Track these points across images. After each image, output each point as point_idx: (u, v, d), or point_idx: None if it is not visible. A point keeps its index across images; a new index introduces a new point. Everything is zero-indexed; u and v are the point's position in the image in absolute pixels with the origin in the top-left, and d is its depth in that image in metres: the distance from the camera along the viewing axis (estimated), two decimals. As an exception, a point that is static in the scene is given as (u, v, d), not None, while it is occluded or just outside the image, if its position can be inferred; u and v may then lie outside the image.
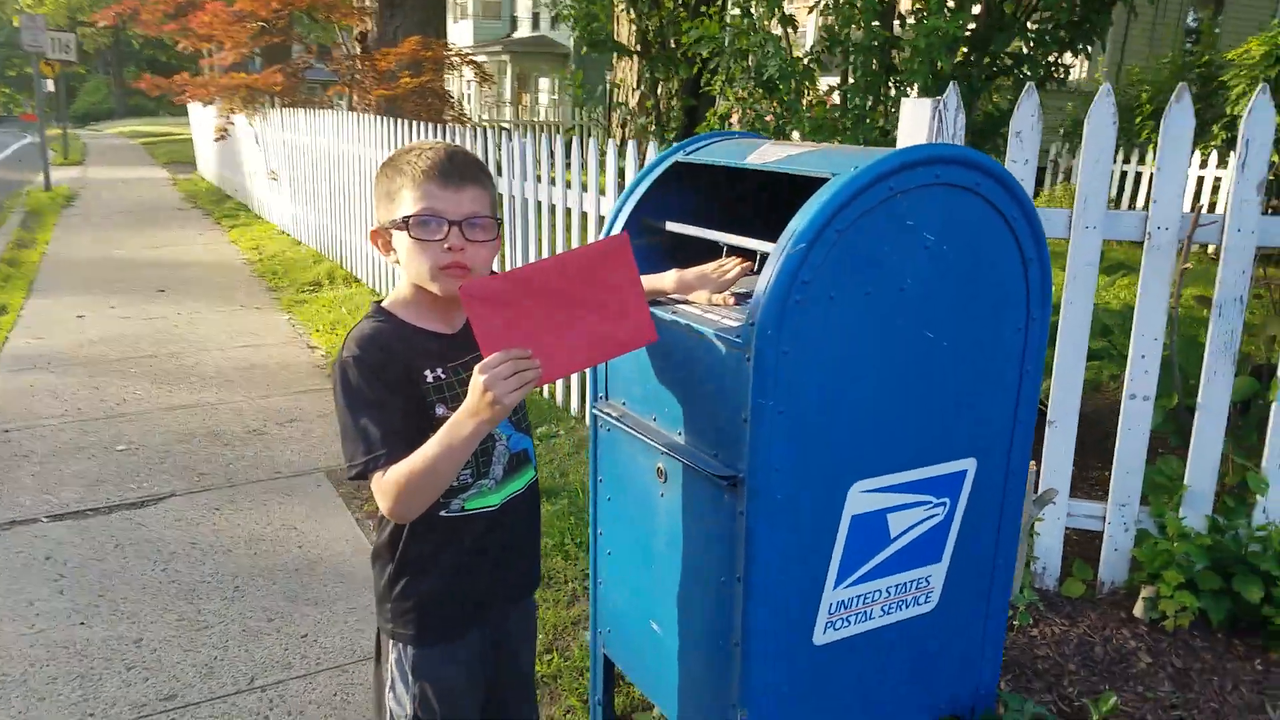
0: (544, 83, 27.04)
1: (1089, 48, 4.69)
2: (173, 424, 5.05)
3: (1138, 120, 13.42)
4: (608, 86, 6.75)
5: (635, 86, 6.44)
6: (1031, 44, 4.58)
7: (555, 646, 3.02)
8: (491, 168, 5.63)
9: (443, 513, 1.79)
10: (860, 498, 2.00)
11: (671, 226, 2.26)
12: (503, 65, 25.93)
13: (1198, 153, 11.23)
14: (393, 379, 1.69)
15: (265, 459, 4.61)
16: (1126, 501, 3.07)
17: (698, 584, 2.06)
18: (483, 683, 1.95)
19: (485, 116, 19.68)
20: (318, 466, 4.53)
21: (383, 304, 1.80)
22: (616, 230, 2.29)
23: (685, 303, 2.09)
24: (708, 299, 2.08)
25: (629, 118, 6.55)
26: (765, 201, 2.44)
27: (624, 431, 2.21)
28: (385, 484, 1.64)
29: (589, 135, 17.83)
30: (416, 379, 1.72)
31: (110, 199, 14.42)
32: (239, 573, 3.54)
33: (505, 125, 18.72)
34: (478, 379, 1.52)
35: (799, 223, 1.80)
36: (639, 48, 5.73)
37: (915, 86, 4.30)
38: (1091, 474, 3.86)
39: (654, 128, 6.01)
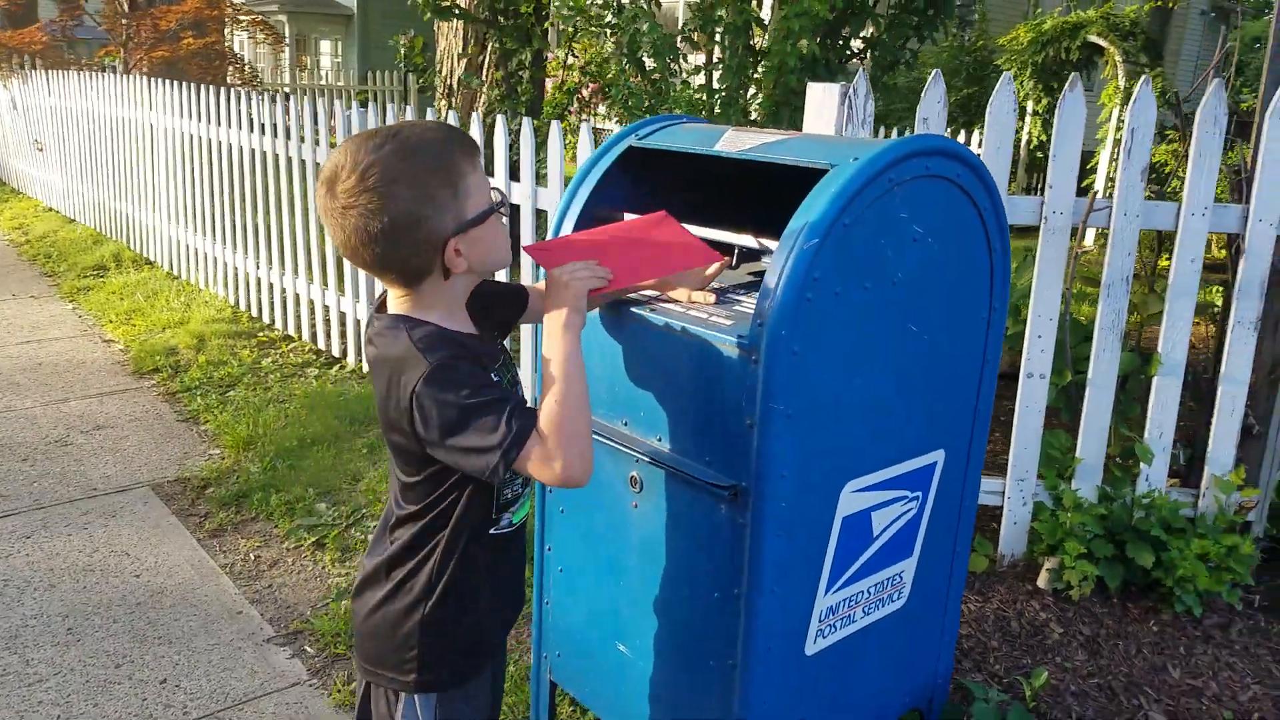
0: (325, 45, 25.62)
1: (934, 34, 4.83)
2: (-42, 437, 4.41)
3: (924, 102, 14.16)
4: (436, 55, 6.36)
5: (462, 54, 6.11)
6: (884, 29, 4.66)
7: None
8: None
9: (493, 530, 1.62)
10: (850, 498, 1.94)
11: (630, 219, 2.10)
12: (279, 25, 24.34)
13: (976, 133, 11.97)
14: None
15: (76, 474, 4.08)
16: (1025, 476, 3.17)
17: (683, 601, 1.94)
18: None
19: (267, 81, 18.50)
20: (140, 481, 4.04)
21: (405, 312, 1.56)
22: (567, 226, 2.12)
23: (663, 300, 1.95)
24: (688, 296, 1.94)
25: (457, 87, 6.23)
26: (715, 191, 2.33)
27: (585, 438, 2.05)
28: (550, 442, 1.47)
29: (393, 101, 17.02)
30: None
31: None
32: (69, 612, 3.08)
33: (288, 90, 17.65)
34: (555, 274, 1.56)
35: (810, 216, 1.70)
36: (486, 15, 5.45)
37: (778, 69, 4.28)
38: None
39: (493, 100, 5.73)
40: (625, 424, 1.99)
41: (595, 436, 1.99)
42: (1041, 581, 3.11)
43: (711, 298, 1.93)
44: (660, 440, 1.92)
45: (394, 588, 1.61)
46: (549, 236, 2.16)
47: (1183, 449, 3.40)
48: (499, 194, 1.55)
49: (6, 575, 3.28)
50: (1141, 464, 3.13)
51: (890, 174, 1.78)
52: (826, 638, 1.99)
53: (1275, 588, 3.18)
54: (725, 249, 2.02)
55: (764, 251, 2.06)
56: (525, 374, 3.93)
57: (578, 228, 2.13)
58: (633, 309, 1.92)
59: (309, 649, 2.92)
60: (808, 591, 1.91)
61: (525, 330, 3.94)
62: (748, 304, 1.93)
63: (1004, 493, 3.20)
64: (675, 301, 1.94)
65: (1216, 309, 4.00)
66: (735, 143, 2.03)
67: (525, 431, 1.45)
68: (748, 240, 1.95)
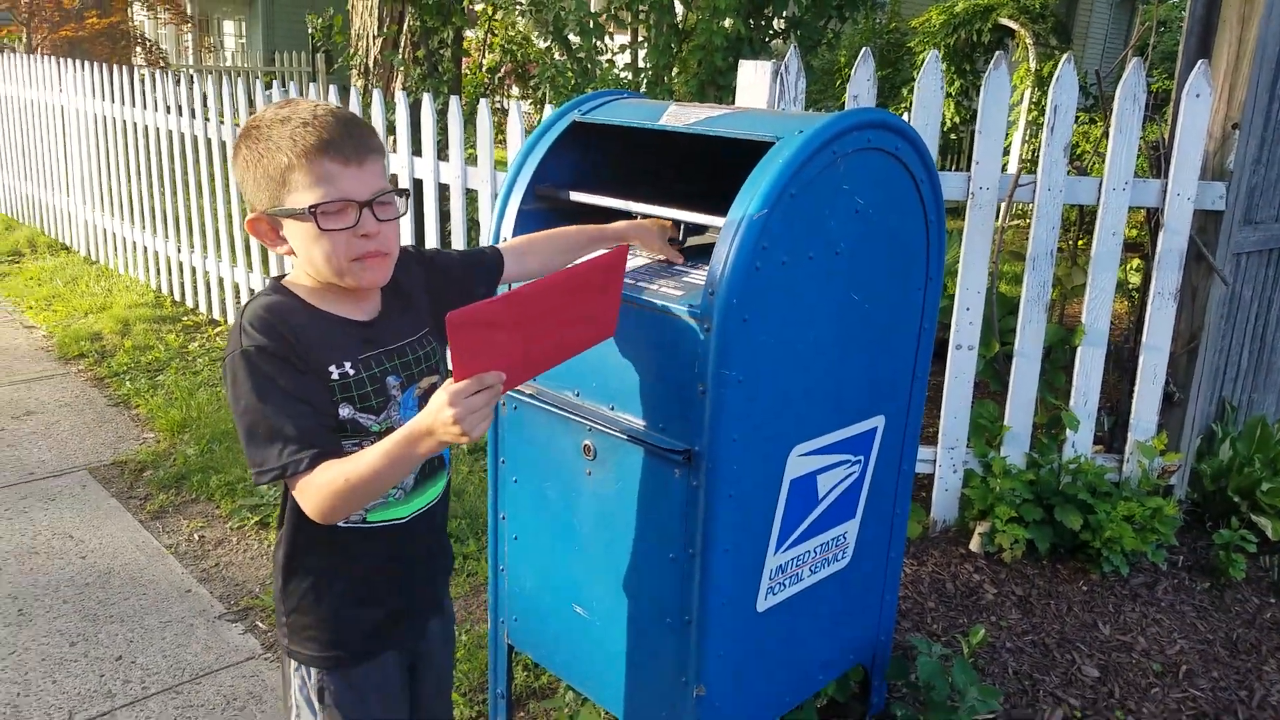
0: (228, 25, 25.02)
1: (856, 14, 4.91)
2: (-120, 426, 4.28)
3: (838, 83, 14.36)
4: (351, 32, 6.29)
5: (379, 34, 6.07)
6: (806, 9, 4.72)
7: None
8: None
9: (341, 523, 1.57)
10: (798, 461, 2.00)
11: (576, 197, 2.13)
12: (182, 4, 23.66)
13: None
14: (304, 365, 1.47)
15: (10, 460, 4.01)
16: (955, 445, 3.28)
17: (638, 562, 1.99)
18: (404, 708, 1.77)
19: (172, 62, 18.05)
20: (76, 465, 3.99)
21: (283, 281, 1.56)
22: (515, 198, 2.14)
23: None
24: (659, 248, 2.06)
25: (373, 67, 6.18)
26: (657, 165, 2.37)
27: (537, 409, 2.08)
28: (313, 485, 1.43)
29: (298, 81, 16.69)
30: (321, 374, 1.49)
31: None
32: (17, 594, 3.06)
33: (192, 71, 17.23)
34: (448, 410, 1.32)
35: (759, 187, 1.75)
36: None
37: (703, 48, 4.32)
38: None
39: (415, 78, 5.68)
40: (577, 394, 2.02)
41: (546, 407, 2.04)
42: (974, 545, 3.22)
43: (680, 257, 2.04)
44: (614, 409, 1.96)
45: (277, 551, 1.65)
46: (495, 215, 2.18)
47: (1106, 416, 3.55)
48: (325, 208, 1.43)
49: (-52, 560, 3.24)
50: (1067, 431, 3.27)
51: (834, 146, 1.84)
52: (776, 595, 2.06)
53: (1198, 548, 3.34)
54: (674, 221, 2.07)
55: (706, 226, 2.11)
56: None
57: (523, 204, 2.15)
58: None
59: (261, 624, 2.93)
60: (758, 551, 1.97)
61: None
62: (695, 275, 1.98)
63: (935, 461, 3.32)
64: (630, 266, 1.99)
65: (1133, 286, 4.17)
66: (680, 117, 2.07)
67: (291, 470, 1.43)
68: (692, 217, 1.98)
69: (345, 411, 1.50)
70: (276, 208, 1.46)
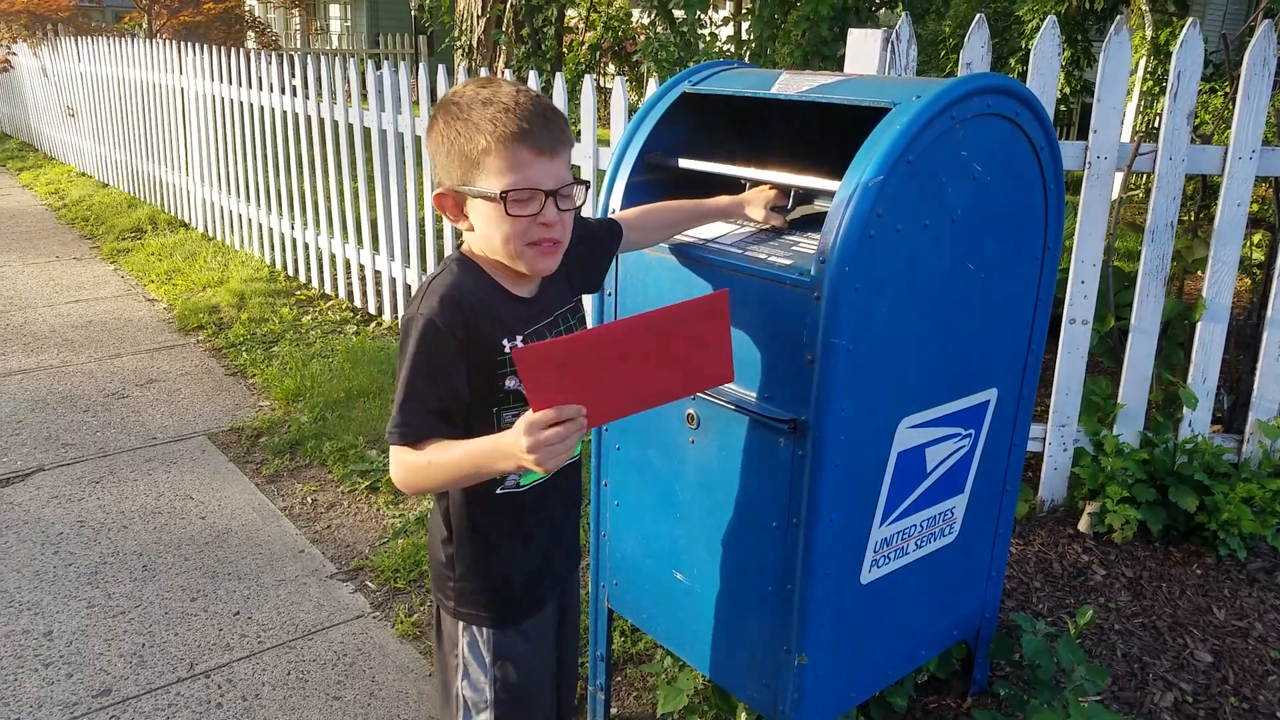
0: (334, 9, 25.62)
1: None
2: (18, 390, 4.53)
3: (942, 53, 13.99)
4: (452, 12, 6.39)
5: (482, 14, 6.15)
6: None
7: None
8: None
9: (499, 490, 1.66)
10: (906, 434, 1.98)
11: (685, 164, 2.14)
12: (289, -11, 24.27)
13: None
14: (462, 349, 1.52)
15: (135, 425, 4.20)
16: (1066, 422, 3.20)
17: (741, 531, 1.99)
18: (555, 656, 1.86)
19: (283, 45, 18.55)
20: (196, 430, 4.17)
21: (465, 250, 1.62)
22: (624, 170, 2.15)
23: (719, 241, 1.99)
24: (764, 216, 2.04)
25: (476, 46, 6.27)
26: (766, 136, 2.36)
27: (643, 378, 2.10)
28: (403, 459, 1.51)
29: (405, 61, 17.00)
30: (492, 349, 1.55)
31: None
32: (143, 551, 3.22)
33: (299, 54, 17.70)
34: (524, 439, 1.33)
35: (875, 152, 1.72)
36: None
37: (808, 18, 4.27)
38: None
39: (520, 57, 5.75)
40: (684, 362, 2.03)
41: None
42: (1082, 526, 3.15)
43: (782, 220, 2.04)
44: (719, 377, 1.96)
45: (436, 520, 1.73)
46: (605, 186, 2.19)
47: (1226, 395, 3.42)
48: (516, 195, 1.46)
49: (81, 518, 3.42)
50: (1185, 409, 3.16)
51: (953, 111, 1.80)
52: (881, 568, 2.04)
53: (1321, 532, 3.20)
54: (782, 190, 2.05)
55: (816, 194, 2.09)
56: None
57: (631, 175, 2.16)
58: (690, 251, 1.97)
59: (370, 584, 3.03)
60: (864, 522, 1.96)
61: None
62: (805, 244, 1.97)
63: (1045, 439, 3.24)
64: (726, 238, 1.99)
65: (1254, 262, 4.00)
66: (792, 85, 2.05)
67: (397, 439, 1.50)
68: (804, 180, 1.97)
69: (511, 384, 1.57)
70: (467, 186, 1.50)
